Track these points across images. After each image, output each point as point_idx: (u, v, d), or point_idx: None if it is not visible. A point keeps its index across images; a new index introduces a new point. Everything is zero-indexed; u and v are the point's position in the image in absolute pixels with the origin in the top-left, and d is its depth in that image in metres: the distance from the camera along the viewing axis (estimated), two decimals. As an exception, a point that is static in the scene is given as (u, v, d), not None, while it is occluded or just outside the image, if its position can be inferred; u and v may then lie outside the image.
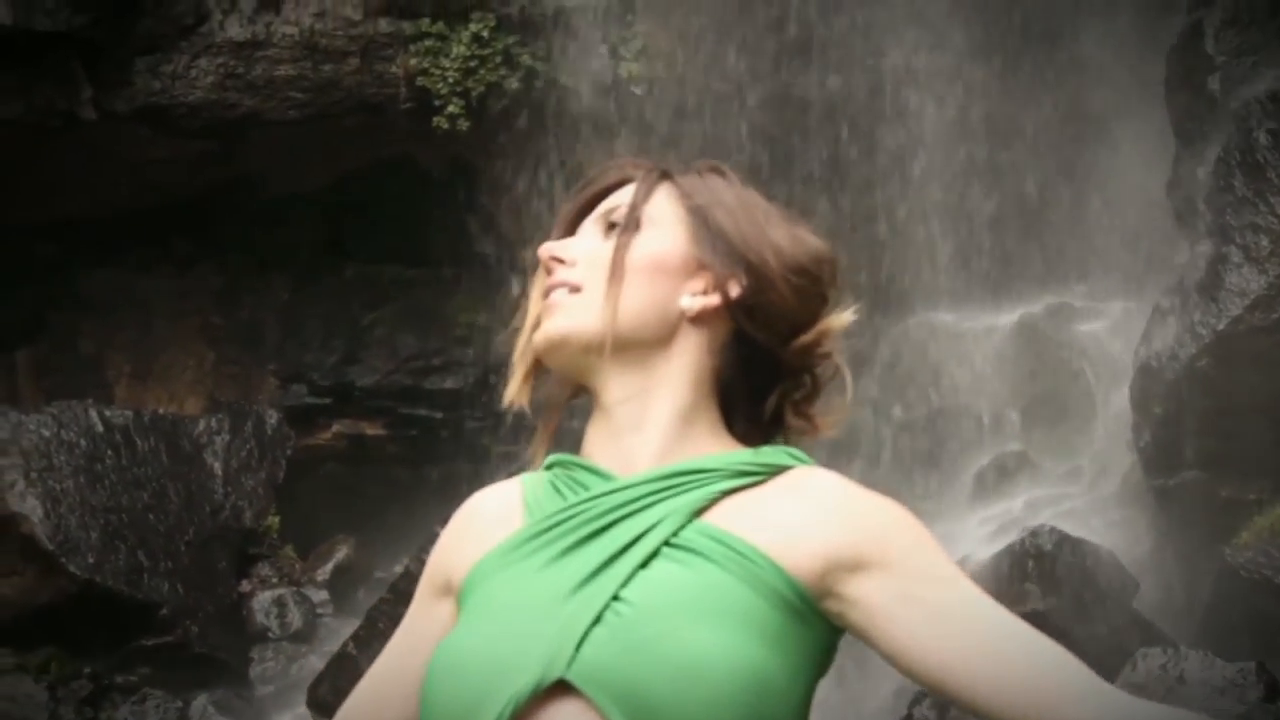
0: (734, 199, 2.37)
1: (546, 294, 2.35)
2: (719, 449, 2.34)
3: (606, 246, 2.35)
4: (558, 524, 2.32)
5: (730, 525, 2.26)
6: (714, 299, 2.34)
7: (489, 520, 2.40)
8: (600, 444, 2.36)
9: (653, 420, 2.33)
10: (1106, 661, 9.61)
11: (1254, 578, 10.24)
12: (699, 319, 2.35)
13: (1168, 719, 2.17)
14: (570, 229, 2.42)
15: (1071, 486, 11.95)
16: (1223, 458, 10.78)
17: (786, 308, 2.34)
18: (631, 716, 2.15)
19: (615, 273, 2.31)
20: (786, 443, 2.37)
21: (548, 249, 2.36)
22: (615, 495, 2.30)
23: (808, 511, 2.26)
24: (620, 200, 2.38)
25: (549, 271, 2.36)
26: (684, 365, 2.34)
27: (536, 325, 2.36)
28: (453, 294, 13.84)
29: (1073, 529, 10.69)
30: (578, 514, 2.31)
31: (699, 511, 2.28)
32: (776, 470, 2.30)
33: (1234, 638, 9.94)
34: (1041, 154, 13.17)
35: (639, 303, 2.32)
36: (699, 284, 2.34)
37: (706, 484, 2.29)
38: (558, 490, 2.36)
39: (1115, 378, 11.83)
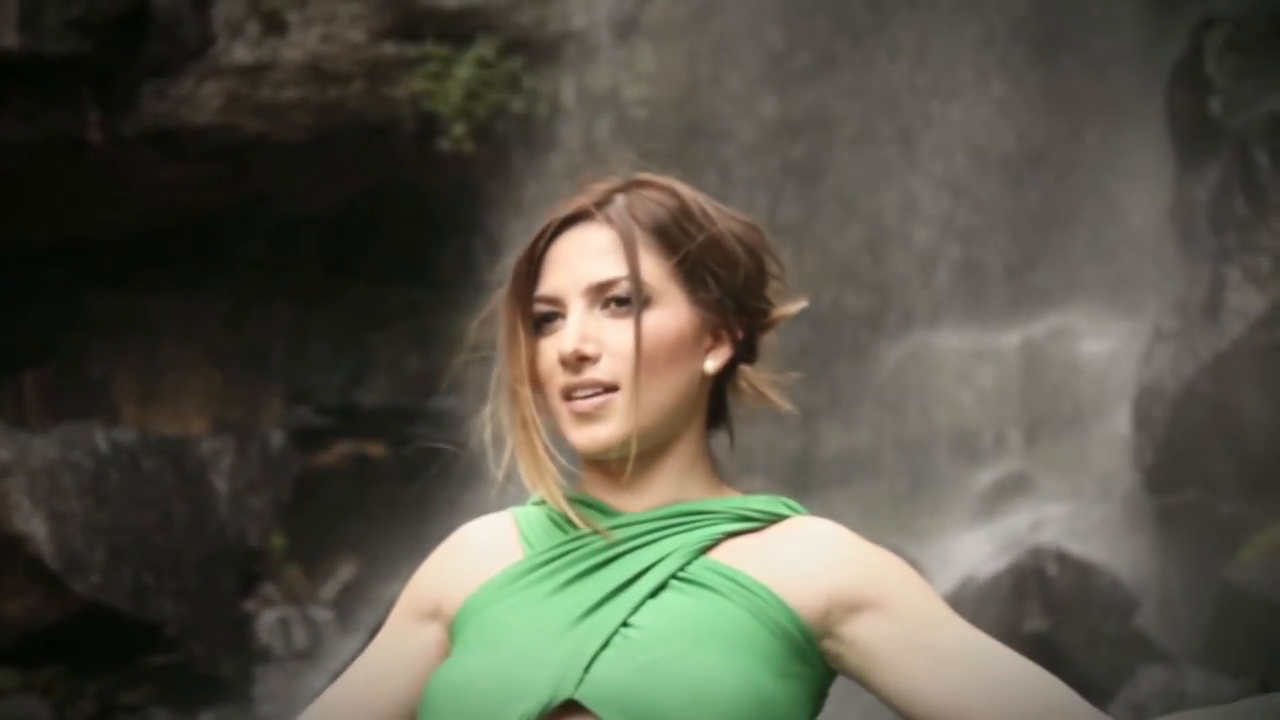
0: (702, 235, 2.34)
1: (569, 392, 2.33)
2: (716, 494, 2.36)
3: (623, 333, 2.31)
4: (561, 555, 2.33)
5: (735, 563, 2.29)
6: (727, 352, 2.37)
7: (483, 551, 2.39)
8: (601, 484, 2.37)
9: (664, 471, 2.35)
10: (1108, 679, 9.65)
11: (1255, 595, 10.27)
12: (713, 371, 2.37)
13: None
14: (534, 272, 2.37)
15: (1073, 506, 11.96)
16: (1224, 477, 10.81)
17: (765, 317, 2.39)
18: (640, 737, 2.18)
19: (651, 368, 2.30)
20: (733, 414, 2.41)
21: (574, 349, 2.31)
22: (620, 530, 2.32)
23: (810, 554, 2.29)
24: (612, 268, 2.33)
25: (573, 370, 2.32)
26: (698, 417, 2.37)
27: (530, 402, 2.37)
28: (457, 315, 13.85)
29: (1074, 548, 10.73)
30: (581, 546, 2.33)
31: (704, 550, 2.30)
32: (775, 518, 2.34)
33: (1235, 655, 9.97)
34: (1043, 176, 13.19)
35: (675, 386, 2.32)
36: (708, 340, 2.35)
37: (710, 525, 2.32)
38: (556, 524, 2.36)
39: (1117, 398, 11.84)
